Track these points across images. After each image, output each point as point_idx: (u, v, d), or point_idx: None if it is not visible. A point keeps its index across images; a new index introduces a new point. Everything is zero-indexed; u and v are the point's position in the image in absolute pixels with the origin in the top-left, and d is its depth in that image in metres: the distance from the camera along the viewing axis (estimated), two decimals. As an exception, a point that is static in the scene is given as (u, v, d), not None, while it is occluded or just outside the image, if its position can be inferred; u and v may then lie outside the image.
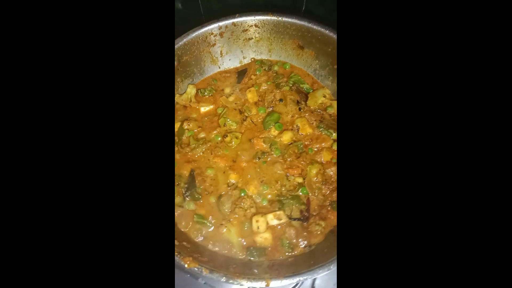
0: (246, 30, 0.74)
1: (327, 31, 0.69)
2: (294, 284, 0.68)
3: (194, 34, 0.71)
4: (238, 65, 0.81)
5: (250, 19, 0.72)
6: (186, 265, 0.52)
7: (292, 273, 0.53)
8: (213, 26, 0.72)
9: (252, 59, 0.81)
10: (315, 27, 0.70)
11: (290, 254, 0.61)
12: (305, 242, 0.62)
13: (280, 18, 0.71)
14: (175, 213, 0.64)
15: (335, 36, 0.69)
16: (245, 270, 0.56)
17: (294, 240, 0.62)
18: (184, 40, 0.71)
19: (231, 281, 0.52)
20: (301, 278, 0.51)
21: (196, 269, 0.52)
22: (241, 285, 0.53)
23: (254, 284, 0.52)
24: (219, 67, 0.81)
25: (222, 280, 0.52)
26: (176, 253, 0.53)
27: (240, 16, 0.72)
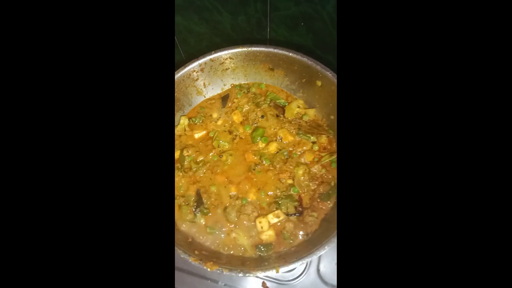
0: (223, 62, 0.86)
1: (290, 53, 0.82)
2: (302, 269, 0.80)
3: (179, 74, 0.83)
4: (221, 91, 0.93)
5: (224, 53, 0.84)
6: (208, 269, 0.63)
7: (296, 258, 0.64)
8: (194, 65, 0.84)
9: (232, 85, 0.93)
10: (280, 51, 0.83)
11: (292, 244, 0.72)
12: (303, 232, 0.74)
13: (250, 49, 0.84)
14: (193, 230, 0.75)
15: (298, 57, 0.81)
16: (257, 264, 0.67)
17: (294, 232, 0.74)
18: (172, 80, 0.82)
19: (247, 274, 0.63)
20: (303, 261, 0.63)
21: (217, 270, 0.63)
22: (257, 276, 0.64)
23: (267, 273, 0.63)
24: (205, 96, 0.92)
25: (240, 275, 0.63)
26: (198, 260, 0.64)
27: (216, 52, 0.84)
